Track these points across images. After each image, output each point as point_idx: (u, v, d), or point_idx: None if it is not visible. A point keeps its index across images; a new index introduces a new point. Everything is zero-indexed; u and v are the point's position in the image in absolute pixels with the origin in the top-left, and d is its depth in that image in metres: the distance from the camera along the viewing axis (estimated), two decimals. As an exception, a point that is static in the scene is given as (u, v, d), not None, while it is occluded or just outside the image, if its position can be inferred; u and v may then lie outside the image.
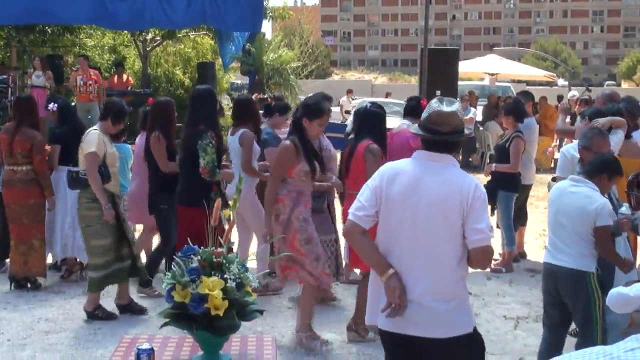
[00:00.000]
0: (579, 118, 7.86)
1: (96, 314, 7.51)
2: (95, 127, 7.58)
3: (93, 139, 7.40)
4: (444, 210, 3.98)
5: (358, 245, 4.23)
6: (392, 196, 4.07)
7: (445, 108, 4.08)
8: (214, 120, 7.53)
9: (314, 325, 6.90)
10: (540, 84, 44.86)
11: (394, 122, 16.87)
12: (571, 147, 7.41)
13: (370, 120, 7.05)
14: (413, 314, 3.97)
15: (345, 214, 6.99)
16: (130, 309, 7.66)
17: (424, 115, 4.16)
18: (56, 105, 8.97)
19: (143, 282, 8.14)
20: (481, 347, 4.19)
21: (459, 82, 14.98)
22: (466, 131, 4.22)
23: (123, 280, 7.70)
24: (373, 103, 7.46)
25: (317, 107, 6.75)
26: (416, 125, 4.25)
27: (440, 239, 3.99)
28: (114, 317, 7.54)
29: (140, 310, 7.65)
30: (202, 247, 4.12)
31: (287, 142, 6.63)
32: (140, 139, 8.70)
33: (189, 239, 4.57)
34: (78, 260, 8.90)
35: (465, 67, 24.43)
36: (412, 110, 8.02)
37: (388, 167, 4.24)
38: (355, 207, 4.15)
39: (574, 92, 21.30)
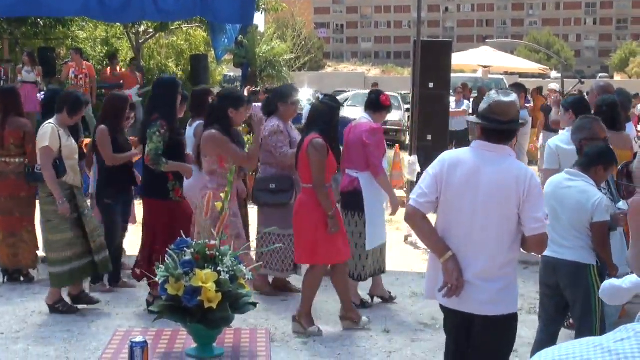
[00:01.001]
0: (561, 109, 7.83)
1: (57, 307, 7.49)
2: (50, 120, 7.54)
3: (46, 132, 7.38)
4: (501, 198, 4.28)
5: (419, 229, 4.56)
6: (452, 184, 4.35)
7: (505, 98, 4.35)
8: (169, 109, 7.39)
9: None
10: (533, 76, 44.86)
11: (393, 115, 16.75)
12: (557, 139, 7.41)
13: (319, 114, 7.05)
14: (467, 292, 4.32)
15: (297, 205, 7.02)
16: (80, 300, 7.62)
17: (484, 106, 4.41)
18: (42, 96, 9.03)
19: (93, 278, 8.15)
20: (516, 326, 4.57)
21: (452, 75, 14.94)
22: (521, 120, 4.51)
23: (89, 275, 7.78)
24: (326, 95, 7.48)
25: (239, 96, 6.96)
26: (474, 116, 4.54)
27: (495, 225, 4.30)
28: (75, 310, 7.51)
29: (91, 301, 7.65)
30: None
31: (214, 130, 6.57)
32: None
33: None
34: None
35: (458, 59, 24.37)
36: (371, 104, 7.87)
37: (448, 155, 4.52)
38: (417, 194, 4.44)
39: (555, 84, 21.38)
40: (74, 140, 7.72)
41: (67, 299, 7.59)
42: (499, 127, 4.32)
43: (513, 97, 4.41)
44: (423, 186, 4.43)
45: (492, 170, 4.29)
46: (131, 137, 8.70)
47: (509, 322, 4.45)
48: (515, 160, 4.46)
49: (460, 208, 4.34)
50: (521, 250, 4.51)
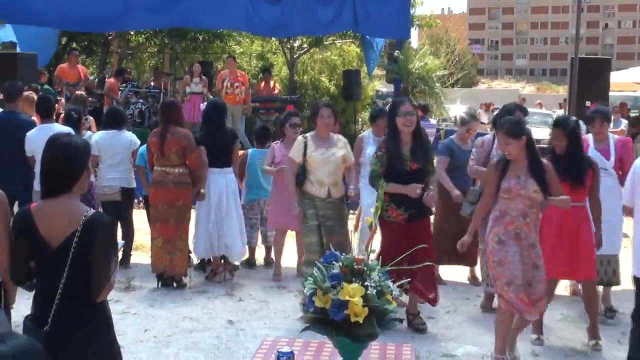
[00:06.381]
0: None
1: None
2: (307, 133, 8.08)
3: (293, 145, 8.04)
4: None
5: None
6: None
7: None
8: (388, 132, 7.43)
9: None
10: (699, 95, 42.98)
11: (541, 132, 16.44)
12: None
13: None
14: None
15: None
16: None
17: None
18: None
19: None
20: None
21: (610, 93, 14.50)
22: None
23: None
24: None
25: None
26: None
27: None
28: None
29: None
30: None
31: (495, 159, 6.62)
32: (279, 147, 8.98)
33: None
34: (223, 261, 9.11)
35: (617, 77, 23.65)
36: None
37: (637, 162, 6.03)
38: (624, 194, 6.20)
39: None
40: (327, 153, 7.87)
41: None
42: None
43: None
44: (626, 187, 6.07)
45: None
46: None
47: None
48: None
49: None
50: None
